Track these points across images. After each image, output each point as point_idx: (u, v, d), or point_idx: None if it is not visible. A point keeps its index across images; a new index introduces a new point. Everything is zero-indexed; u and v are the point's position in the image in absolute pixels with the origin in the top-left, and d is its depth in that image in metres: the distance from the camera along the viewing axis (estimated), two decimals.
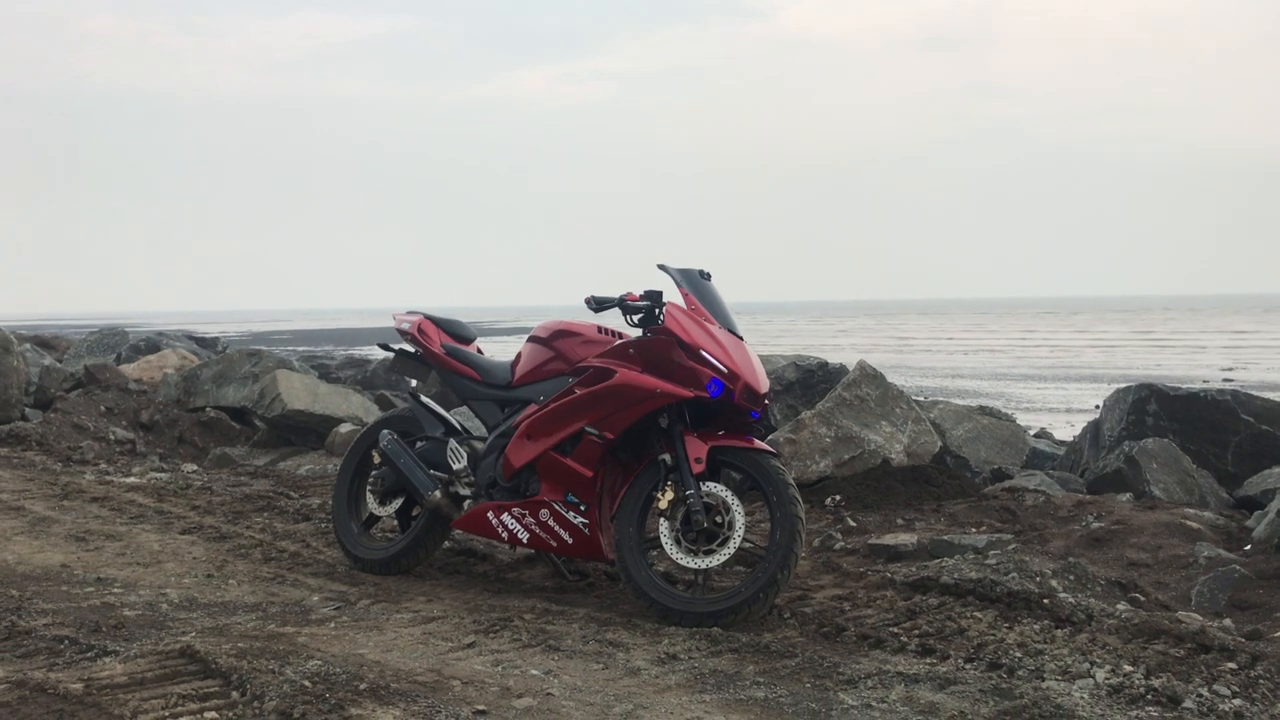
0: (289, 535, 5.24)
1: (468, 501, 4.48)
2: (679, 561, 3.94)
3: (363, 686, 2.92)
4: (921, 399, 9.03)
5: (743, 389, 4.01)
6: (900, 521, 5.81)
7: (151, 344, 12.08)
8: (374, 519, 4.85)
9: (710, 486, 3.98)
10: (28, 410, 10.41)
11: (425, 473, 4.55)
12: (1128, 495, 6.29)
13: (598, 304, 4.24)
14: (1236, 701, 3.22)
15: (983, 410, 8.78)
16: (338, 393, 8.71)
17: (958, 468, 7.58)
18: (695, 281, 4.25)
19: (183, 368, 10.58)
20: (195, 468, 7.91)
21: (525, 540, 4.26)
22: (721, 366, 3.99)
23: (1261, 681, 3.40)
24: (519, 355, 4.64)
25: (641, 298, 4.22)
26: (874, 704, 3.02)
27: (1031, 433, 9.92)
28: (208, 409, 9.55)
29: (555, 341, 4.46)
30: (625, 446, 4.19)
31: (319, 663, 3.11)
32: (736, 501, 3.97)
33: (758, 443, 4.12)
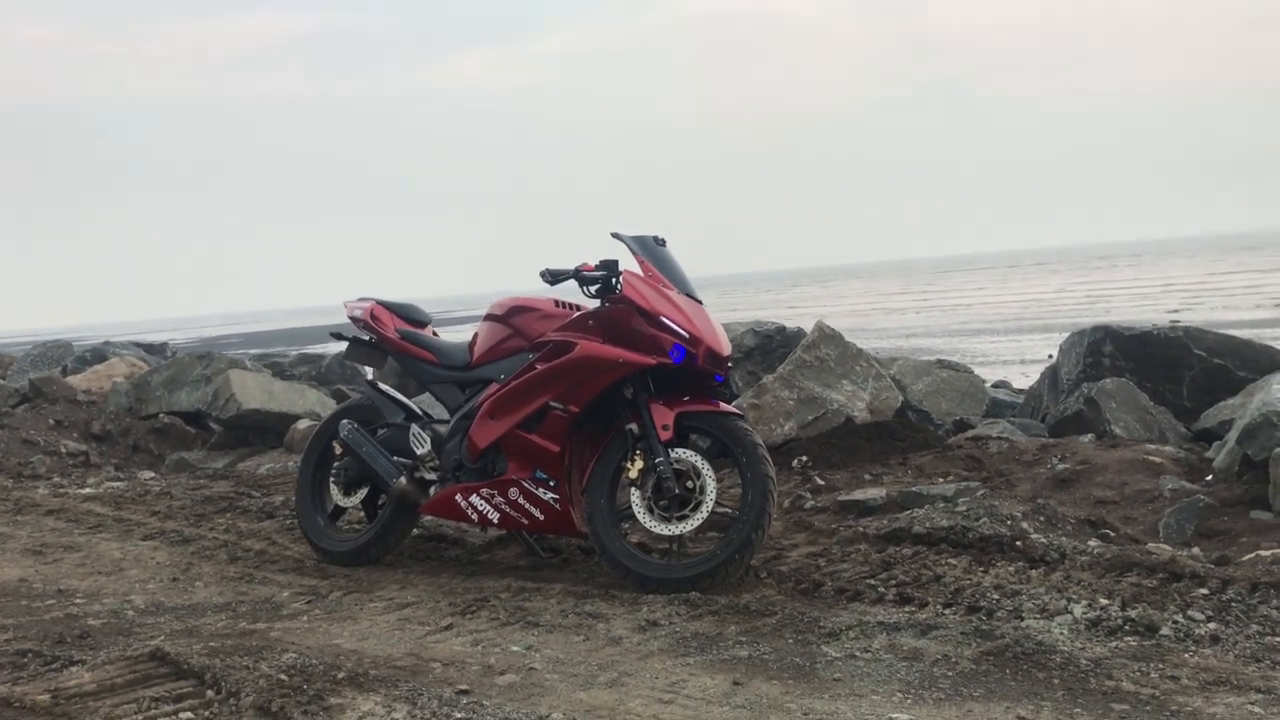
0: (254, 534, 5.14)
1: (434, 486, 4.42)
2: (653, 530, 3.91)
3: (341, 675, 2.87)
4: (879, 358, 9.06)
5: (705, 353, 3.98)
6: (868, 477, 5.82)
7: (98, 354, 11.81)
8: (340, 511, 4.78)
9: (679, 453, 3.95)
10: None
11: (389, 460, 4.48)
12: (1089, 436, 6.36)
13: (553, 277, 4.18)
14: (1212, 625, 3.26)
15: (941, 364, 8.84)
16: (293, 389, 8.57)
17: (920, 422, 7.61)
18: (650, 248, 4.20)
19: (132, 375, 10.35)
20: (153, 474, 7.75)
21: (496, 520, 4.21)
22: (683, 331, 3.96)
23: (1234, 605, 3.45)
24: (476, 335, 4.57)
25: (597, 267, 4.17)
26: (858, 654, 3.02)
27: (990, 383, 10.00)
28: (161, 415, 9.35)
29: (512, 319, 4.40)
30: (591, 419, 4.15)
31: (294, 655, 3.05)
32: (707, 466, 3.94)
33: (724, 406, 4.09)
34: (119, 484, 6.97)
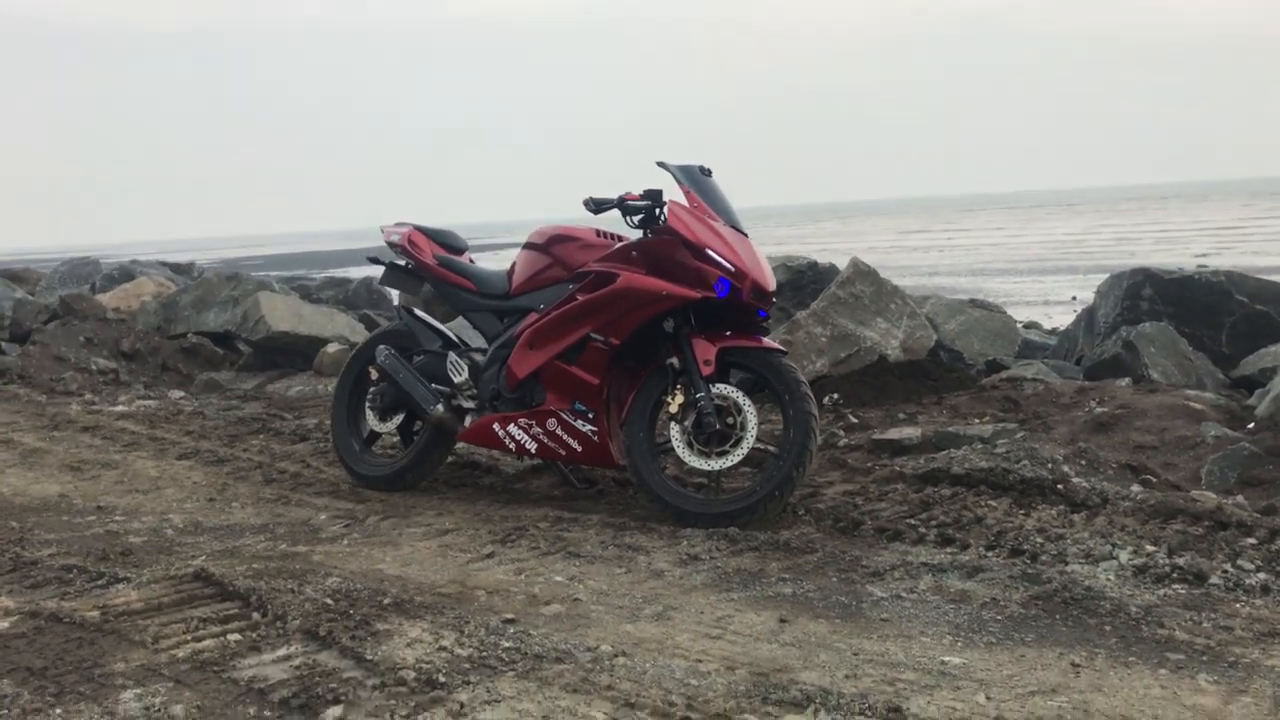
0: (288, 456, 5.15)
1: (471, 415, 4.40)
2: (692, 464, 3.88)
3: (386, 601, 2.87)
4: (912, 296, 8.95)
5: (750, 287, 3.91)
6: (902, 416, 5.77)
7: (125, 272, 11.81)
8: (375, 436, 4.77)
9: (721, 388, 3.90)
10: (4, 344, 10.21)
11: (427, 387, 4.45)
12: (1126, 380, 6.28)
13: (596, 205, 4.10)
14: (1262, 575, 3.21)
15: (974, 303, 8.73)
16: (322, 313, 8.55)
17: (952, 361, 7.54)
18: (696, 178, 4.11)
19: (160, 294, 10.36)
20: (183, 394, 7.78)
21: (533, 451, 4.19)
22: (728, 265, 3.88)
23: None
24: (514, 264, 4.51)
25: (641, 197, 4.08)
26: (904, 595, 3.00)
27: (1020, 324, 9.89)
28: (189, 335, 9.38)
29: (553, 248, 4.33)
30: (631, 351, 4.10)
31: (338, 579, 3.05)
32: (748, 402, 3.89)
33: (766, 341, 4.03)
34: (150, 403, 6.99)
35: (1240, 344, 6.95)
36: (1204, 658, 2.53)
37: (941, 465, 4.52)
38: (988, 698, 2.26)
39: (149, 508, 4.23)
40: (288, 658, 2.51)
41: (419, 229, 4.78)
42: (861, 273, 7.24)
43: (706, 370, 3.89)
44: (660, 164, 4.16)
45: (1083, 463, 4.46)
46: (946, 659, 2.49)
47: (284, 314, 8.19)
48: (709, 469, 3.87)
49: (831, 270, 8.77)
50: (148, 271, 12.04)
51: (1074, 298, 23.98)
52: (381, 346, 4.63)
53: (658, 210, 4.04)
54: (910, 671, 2.41)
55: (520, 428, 4.19)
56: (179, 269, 12.73)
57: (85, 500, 4.29)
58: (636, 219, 4.08)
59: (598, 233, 4.28)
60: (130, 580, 3.09)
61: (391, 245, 4.77)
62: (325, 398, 7.13)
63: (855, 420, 5.75)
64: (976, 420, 5.59)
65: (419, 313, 4.83)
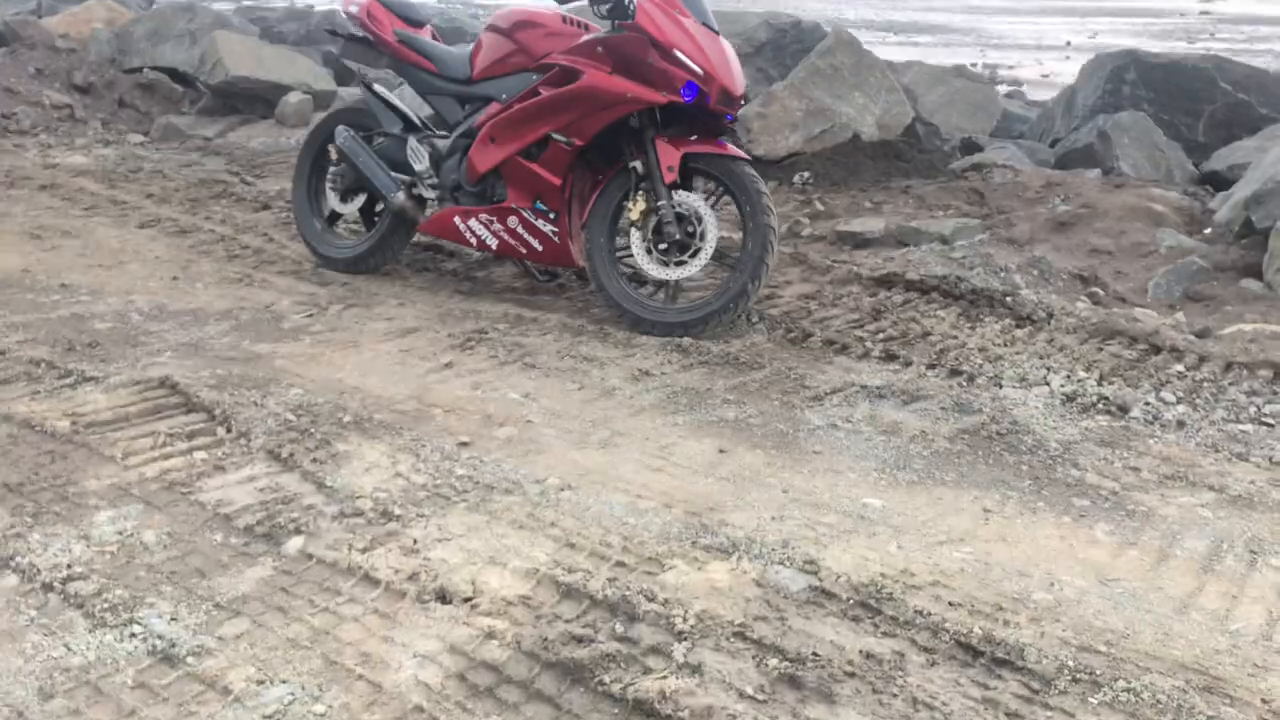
0: (250, 228, 5.15)
1: (431, 203, 4.39)
2: (651, 273, 3.94)
3: (346, 419, 3.00)
4: (895, 62, 8.70)
5: (718, 91, 3.83)
6: (868, 205, 5.79)
7: None
8: (336, 215, 4.76)
9: (682, 196, 3.90)
10: None
11: (387, 174, 4.41)
12: (1096, 171, 6.28)
13: None
14: (1180, 409, 3.40)
15: (958, 72, 8.53)
16: (283, 56, 8.23)
17: (928, 137, 7.45)
18: None
19: (112, 21, 9.87)
20: (142, 137, 7.61)
21: (494, 247, 4.22)
22: (696, 68, 3.78)
23: (1205, 385, 3.58)
24: (477, 45, 4.35)
25: None
26: (839, 423, 3.16)
27: (1003, 91, 9.70)
28: (145, 70, 9.03)
29: (516, 33, 4.17)
30: (594, 150, 4.05)
31: (300, 391, 3.16)
32: (709, 211, 3.91)
33: (731, 148, 3.99)
34: (109, 150, 6.86)
35: (1216, 133, 6.91)
36: (1106, 504, 2.74)
37: (898, 268, 4.61)
38: (899, 546, 2.46)
39: (113, 286, 4.27)
40: (252, 479, 2.66)
41: (379, 1, 4.57)
42: (844, 42, 7.01)
43: (669, 177, 3.88)
44: None
45: (1035, 273, 4.56)
46: (868, 501, 2.68)
47: (244, 56, 7.88)
48: (667, 278, 3.94)
49: (815, 30, 8.48)
50: None
51: (1068, 43, 23.31)
52: (340, 128, 4.54)
53: (627, 1, 3.88)
54: (832, 514, 2.60)
55: (481, 223, 4.20)
56: None
57: (49, 277, 4.32)
58: (605, 8, 3.92)
59: (564, 19, 4.13)
60: (98, 381, 3.19)
61: (350, 16, 4.57)
62: (287, 152, 7.01)
63: (822, 208, 5.77)
64: (941, 213, 5.63)
65: (379, 89, 4.70)
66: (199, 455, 2.75)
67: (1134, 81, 6.92)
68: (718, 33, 3.95)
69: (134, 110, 8.86)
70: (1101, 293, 4.56)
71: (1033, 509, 2.69)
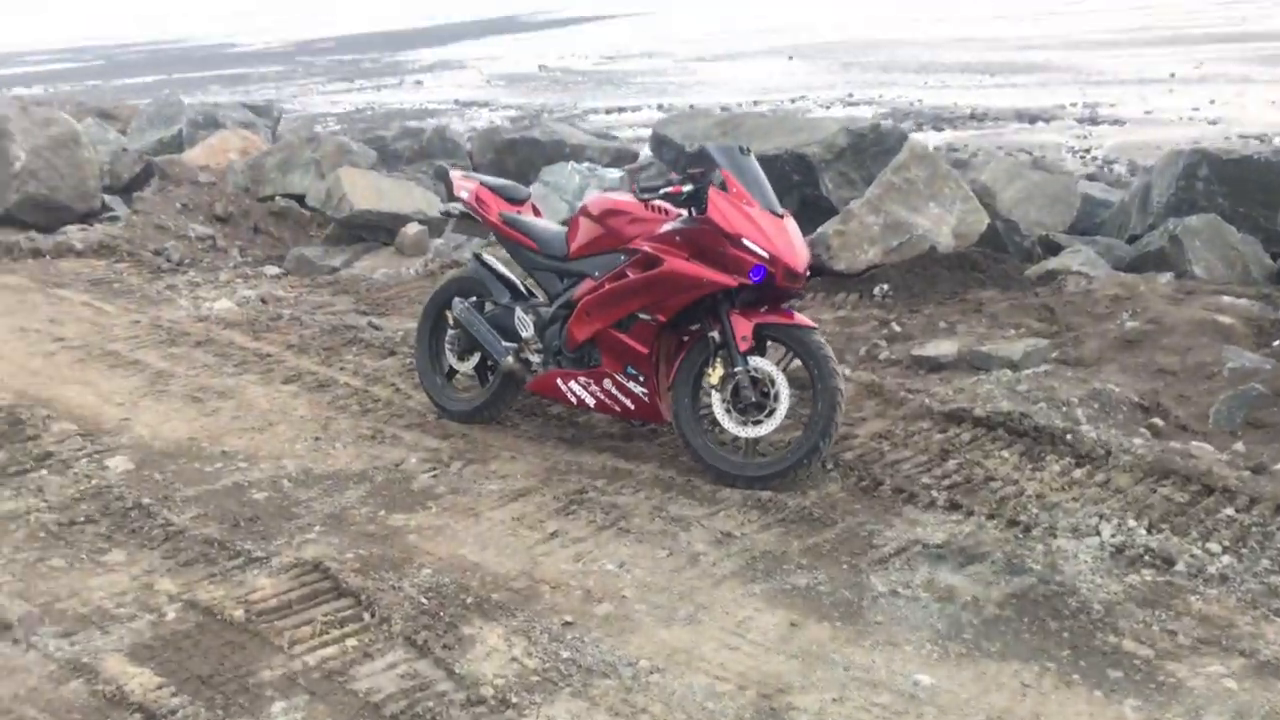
0: (379, 378, 5.78)
1: (537, 365, 4.93)
2: (731, 431, 4.39)
3: (469, 600, 3.52)
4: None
5: (783, 271, 4.28)
6: (943, 325, 6.13)
7: (209, 118, 12.30)
8: (454, 371, 5.35)
9: (756, 361, 4.35)
10: (106, 198, 10.92)
11: (498, 340, 4.98)
12: (1169, 275, 6.50)
13: (642, 192, 4.46)
14: (1225, 559, 3.68)
15: (1035, 164, 8.80)
16: (400, 186, 9.00)
17: (1007, 233, 7.76)
18: (736, 160, 4.41)
19: (246, 151, 10.87)
20: (277, 270, 8.41)
21: (592, 405, 4.73)
22: (763, 253, 4.24)
23: (1253, 531, 3.85)
24: (573, 226, 4.90)
25: (684, 180, 4.42)
26: (900, 590, 3.55)
27: (1083, 173, 9.91)
28: (276, 198, 9.94)
29: (606, 219, 4.70)
30: (678, 319, 4.54)
31: (430, 572, 3.70)
32: (781, 375, 4.35)
33: (799, 317, 4.44)
34: (250, 291, 7.64)
35: None
36: (1138, 676, 3.06)
37: (966, 403, 4.96)
38: None
39: (265, 450, 4.91)
40: (393, 665, 3.19)
41: (484, 184, 5.19)
42: (917, 156, 7.40)
43: (743, 345, 4.34)
44: (703, 148, 4.46)
45: (1096, 406, 4.86)
46: (919, 678, 3.06)
47: (365, 190, 8.66)
48: (745, 436, 4.38)
49: (894, 132, 8.86)
50: (230, 115, 12.50)
51: (1172, 75, 23.02)
52: (457, 300, 5.14)
53: (701, 195, 4.37)
54: (886, 694, 3.00)
55: (580, 385, 4.73)
56: (259, 111, 13.15)
57: (210, 443, 4.99)
58: (681, 201, 4.42)
59: (647, 205, 4.64)
60: (262, 564, 3.79)
61: (461, 201, 5.19)
62: (407, 284, 7.73)
63: (898, 329, 6.14)
64: (1013, 331, 5.94)
65: (490, 261, 5.29)
66: (350, 643, 3.30)
67: (1207, 178, 7.11)
68: (782, 216, 4.41)
69: (269, 236, 9.77)
70: (1162, 423, 4.83)
71: (1068, 682, 3.04)
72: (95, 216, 10.23)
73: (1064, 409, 4.79)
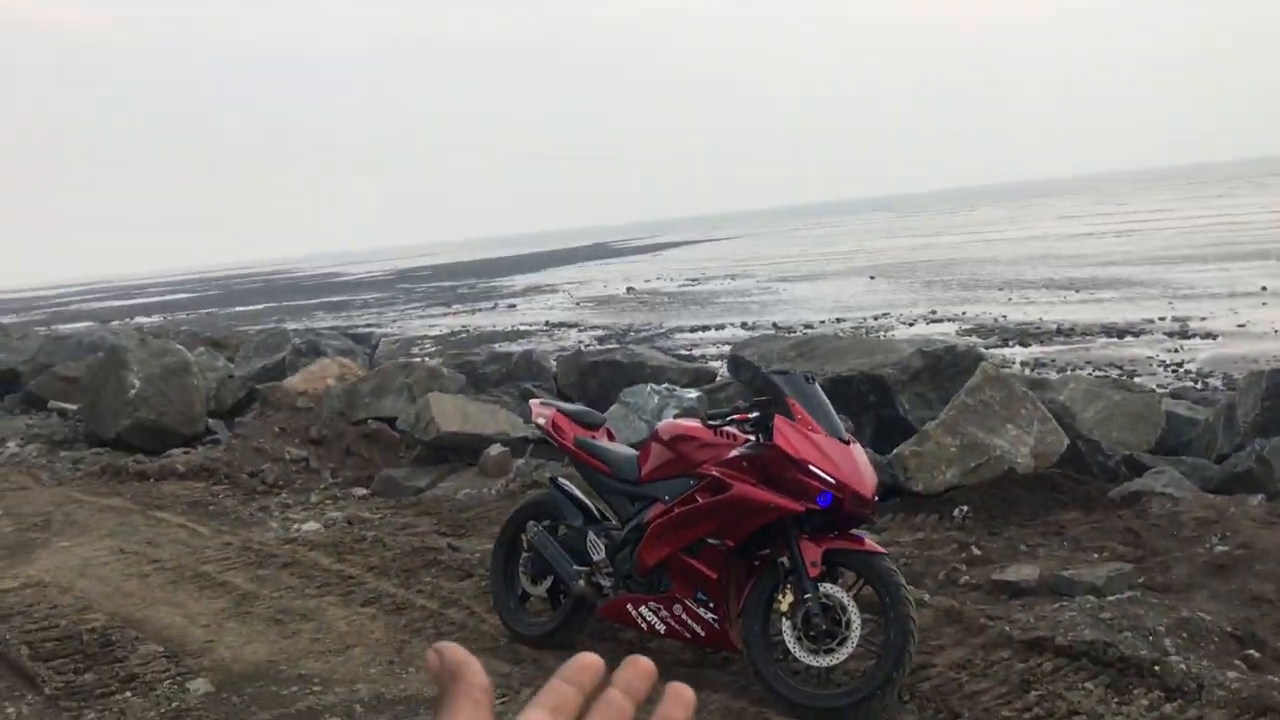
0: (454, 601, 5.85)
1: (608, 589, 4.96)
2: (802, 660, 4.32)
3: None
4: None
5: (851, 497, 4.31)
6: (1024, 548, 6.02)
7: (312, 345, 13.04)
8: (527, 595, 5.40)
9: (827, 588, 4.33)
10: (210, 422, 11.50)
11: (570, 563, 5.05)
12: (1260, 497, 6.32)
13: (712, 419, 4.60)
14: None
15: (1115, 384, 8.77)
16: (485, 410, 9.33)
17: (1090, 453, 7.66)
18: (801, 388, 4.53)
19: (343, 377, 11.42)
20: (364, 492, 8.66)
21: (662, 631, 4.72)
22: (829, 478, 4.30)
23: None
24: (645, 451, 5.03)
25: (750, 407, 4.55)
26: None
27: (1168, 390, 9.80)
28: (369, 421, 10.35)
29: (676, 445, 4.83)
30: (748, 544, 4.57)
31: None
32: (853, 603, 4.31)
33: (869, 543, 4.43)
34: (337, 513, 7.87)
35: None
36: None
37: (1048, 631, 4.81)
38: None
39: (341, 674, 4.96)
40: None
41: (561, 411, 5.39)
42: (991, 379, 7.46)
43: (813, 572, 4.32)
44: (767, 375, 4.61)
45: (1185, 635, 4.67)
46: None
47: (452, 415, 9.00)
48: (817, 665, 4.31)
49: (969, 354, 8.96)
50: (330, 344, 13.24)
51: (1264, 288, 22.88)
52: (531, 523, 5.26)
53: (768, 421, 4.48)
54: None
55: (650, 610, 4.73)
56: (359, 339, 13.91)
57: (289, 666, 5.07)
58: (748, 427, 4.54)
59: (715, 431, 4.76)
60: None
61: (539, 427, 5.39)
62: (488, 505, 7.89)
63: (978, 552, 6.03)
64: (1096, 555, 5.79)
65: (564, 484, 5.43)
66: None
67: None
68: (848, 442, 4.49)
69: (359, 457, 10.13)
70: (1258, 654, 4.61)
71: None
72: (199, 440, 10.78)
73: (1151, 638, 4.61)
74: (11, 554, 7.14)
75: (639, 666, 0.68)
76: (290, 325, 15.04)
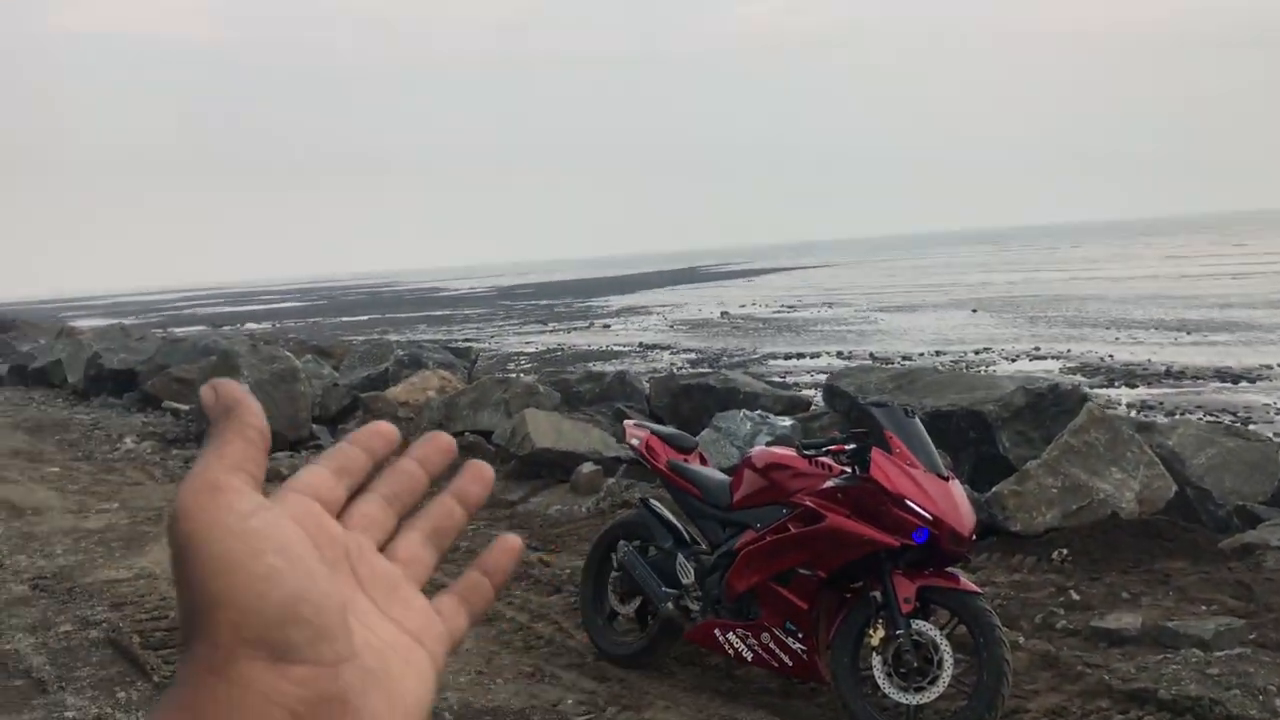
0: (543, 615, 5.91)
1: (696, 612, 4.96)
2: (892, 697, 4.26)
3: None
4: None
5: (948, 534, 4.25)
6: (1125, 595, 5.83)
7: (414, 358, 13.34)
8: (615, 614, 5.43)
9: (919, 625, 4.26)
10: (315, 428, 11.84)
11: (659, 585, 5.06)
12: None
13: (807, 449, 4.58)
14: None
15: (1229, 430, 8.45)
16: (579, 428, 9.42)
17: (1199, 501, 7.40)
18: (899, 421, 4.48)
19: (443, 389, 11.66)
20: None
21: (749, 659, 4.70)
22: (927, 514, 4.24)
23: None
24: (737, 476, 5.03)
25: (847, 439, 4.51)
26: None
27: None
28: (466, 434, 10.54)
29: (770, 473, 4.81)
30: (839, 576, 4.52)
31: None
32: (945, 642, 4.23)
33: (964, 581, 4.35)
34: None
35: None
36: None
37: (1150, 683, 4.65)
38: None
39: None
40: None
41: (655, 433, 5.42)
42: (1096, 419, 7.27)
43: (906, 608, 4.26)
44: (864, 407, 4.57)
45: None
46: None
47: (546, 431, 9.11)
48: (906, 703, 4.24)
49: (1073, 393, 8.74)
50: (431, 356, 13.52)
51: None
52: (622, 543, 5.29)
53: (865, 453, 4.44)
54: None
55: (738, 637, 4.72)
56: (459, 353, 14.19)
57: None
58: (845, 459, 4.50)
59: (809, 460, 4.74)
60: None
61: (633, 448, 5.43)
62: (578, 522, 7.95)
63: (1078, 597, 5.86)
64: (1204, 608, 5.58)
65: (656, 506, 5.45)
66: None
67: None
68: (947, 478, 4.42)
69: (456, 469, 10.32)
70: None
71: None
72: (304, 444, 11.11)
73: (1261, 698, 4.43)
74: (126, 546, 7.44)
75: (438, 441, 0.64)
76: (393, 336, 15.41)
